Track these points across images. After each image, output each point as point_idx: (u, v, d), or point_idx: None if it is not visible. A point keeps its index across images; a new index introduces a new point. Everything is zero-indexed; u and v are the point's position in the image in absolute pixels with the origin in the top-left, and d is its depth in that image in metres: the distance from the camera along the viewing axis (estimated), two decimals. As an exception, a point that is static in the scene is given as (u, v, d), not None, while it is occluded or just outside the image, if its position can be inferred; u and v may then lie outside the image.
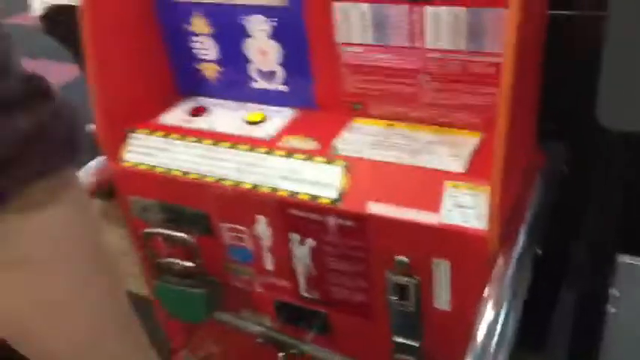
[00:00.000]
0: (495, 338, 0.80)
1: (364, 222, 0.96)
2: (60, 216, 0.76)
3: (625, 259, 0.99)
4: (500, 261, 0.85)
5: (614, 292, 0.98)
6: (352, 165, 0.99)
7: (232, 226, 1.11)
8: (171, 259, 1.19)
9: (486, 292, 0.83)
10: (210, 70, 1.19)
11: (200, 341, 1.34)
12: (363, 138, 1.03)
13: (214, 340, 1.32)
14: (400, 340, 1.06)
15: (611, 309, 1.04)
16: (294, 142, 1.06)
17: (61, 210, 0.76)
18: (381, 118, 1.06)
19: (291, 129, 1.09)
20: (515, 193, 0.94)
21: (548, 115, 1.02)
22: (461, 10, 0.91)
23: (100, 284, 0.84)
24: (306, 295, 1.12)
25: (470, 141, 0.97)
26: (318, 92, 1.11)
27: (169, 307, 1.23)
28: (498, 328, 0.81)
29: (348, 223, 0.98)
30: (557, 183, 1.02)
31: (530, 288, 0.90)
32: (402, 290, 1.00)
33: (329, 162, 1.00)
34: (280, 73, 1.12)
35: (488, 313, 0.81)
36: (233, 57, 1.15)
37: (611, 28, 0.68)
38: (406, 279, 0.98)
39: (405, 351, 1.06)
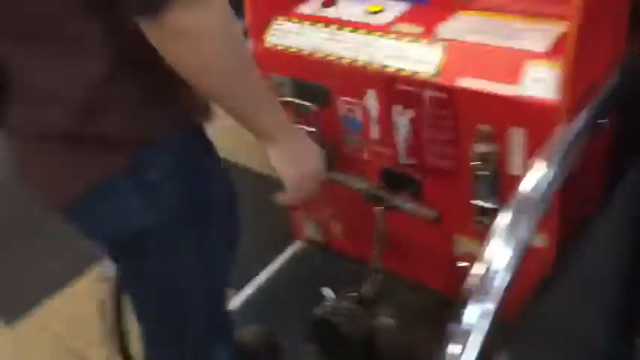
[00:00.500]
0: (541, 191, 0.95)
1: (455, 94, 1.15)
2: None
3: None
4: (560, 128, 1.00)
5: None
6: (450, 46, 1.17)
7: (346, 99, 1.34)
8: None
9: (541, 151, 0.99)
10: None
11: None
12: (463, 26, 1.21)
13: (327, 199, 1.57)
14: (479, 202, 1.25)
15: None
16: (404, 28, 1.25)
17: None
18: (481, 10, 1.22)
19: (403, 18, 1.29)
20: (593, 76, 1.07)
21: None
22: None
23: None
24: (404, 161, 1.33)
25: (556, 28, 1.11)
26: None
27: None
28: (545, 183, 0.95)
29: (441, 95, 1.17)
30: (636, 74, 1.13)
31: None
32: (483, 156, 1.18)
33: (431, 44, 1.19)
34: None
35: (537, 167, 0.96)
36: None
37: None
38: (488, 146, 1.16)
39: (483, 213, 1.25)
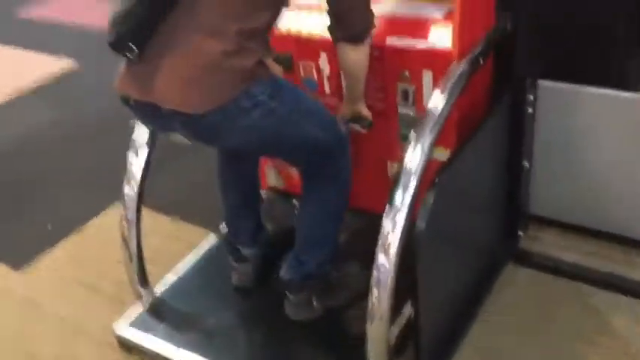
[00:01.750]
0: (442, 105, 1.46)
1: (384, 50, 1.66)
2: None
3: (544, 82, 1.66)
4: (452, 67, 1.52)
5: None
6: (379, 19, 1.67)
7: (305, 62, 1.82)
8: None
9: (439, 84, 1.50)
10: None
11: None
12: (387, 6, 1.72)
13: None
14: (404, 132, 1.75)
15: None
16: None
17: None
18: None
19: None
20: (475, 34, 1.61)
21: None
22: None
23: None
24: (348, 107, 1.82)
25: (448, 5, 1.64)
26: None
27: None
28: (444, 100, 1.47)
29: (374, 52, 1.67)
30: (503, 33, 1.68)
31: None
32: (405, 95, 1.70)
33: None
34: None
35: (436, 95, 1.47)
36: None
37: None
38: (408, 86, 1.68)
39: (406, 138, 1.75)
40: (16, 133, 3.29)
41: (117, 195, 2.45)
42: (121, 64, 1.43)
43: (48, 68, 3.91)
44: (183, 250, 2.13)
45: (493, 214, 1.90)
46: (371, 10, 1.48)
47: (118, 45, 1.34)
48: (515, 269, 1.89)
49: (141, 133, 1.79)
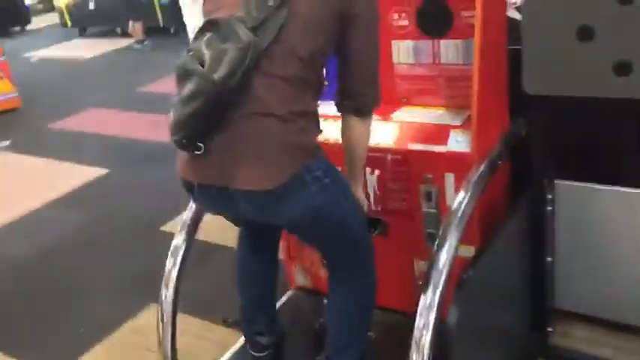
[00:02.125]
0: (464, 205, 1.55)
1: (406, 155, 1.77)
2: None
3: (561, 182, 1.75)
4: (472, 169, 1.62)
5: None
6: (400, 125, 1.81)
7: (332, 167, 1.93)
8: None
9: (461, 186, 1.60)
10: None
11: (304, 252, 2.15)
12: (407, 114, 1.86)
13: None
14: (429, 230, 1.83)
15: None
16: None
17: None
18: (417, 105, 1.89)
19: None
20: (491, 138, 1.72)
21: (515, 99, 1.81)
22: (458, 41, 1.75)
23: None
24: (374, 208, 1.91)
25: (465, 112, 1.77)
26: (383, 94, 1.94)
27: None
28: (466, 200, 1.56)
29: (398, 156, 1.78)
30: (518, 137, 1.80)
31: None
32: (428, 196, 1.79)
33: (388, 124, 1.83)
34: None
35: (459, 196, 1.57)
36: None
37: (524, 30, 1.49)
38: (431, 188, 1.77)
39: (431, 237, 1.83)
40: (51, 237, 3.41)
41: (149, 298, 2.54)
42: (182, 152, 1.52)
43: (81, 177, 4.10)
44: (213, 350, 2.17)
45: (521, 310, 1.93)
46: (380, 94, 1.62)
47: (185, 144, 1.45)
48: (547, 365, 1.90)
49: (178, 240, 1.89)
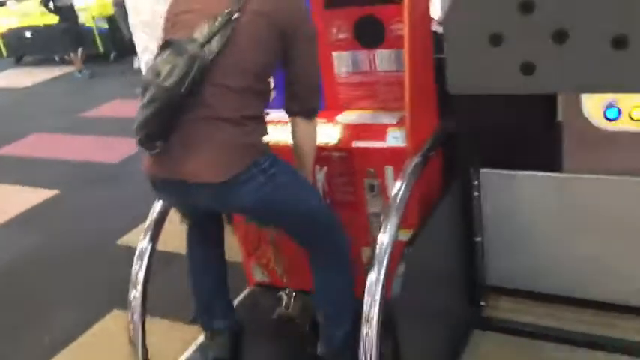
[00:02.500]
0: (401, 193, 1.78)
1: (350, 152, 2.00)
2: None
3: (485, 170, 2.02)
4: (407, 162, 1.86)
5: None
6: (344, 126, 2.04)
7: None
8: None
9: (398, 177, 1.83)
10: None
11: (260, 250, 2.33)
12: (349, 116, 2.09)
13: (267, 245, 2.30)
14: (372, 220, 2.06)
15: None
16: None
17: None
18: (357, 108, 2.13)
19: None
20: (425, 136, 1.97)
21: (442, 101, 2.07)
22: (391, 51, 2.00)
23: None
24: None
25: (399, 113, 2.02)
26: (327, 100, 2.18)
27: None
28: (403, 189, 1.79)
29: (343, 154, 2.01)
30: (447, 133, 2.06)
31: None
32: (372, 188, 2.02)
33: (333, 125, 2.06)
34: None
35: (396, 186, 1.80)
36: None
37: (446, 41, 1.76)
38: (374, 181, 2.00)
39: (376, 222, 2.05)
40: (3, 258, 3.46)
41: (112, 304, 2.66)
42: (146, 154, 1.77)
43: (31, 199, 4.14)
44: (179, 347, 2.30)
45: (456, 286, 2.17)
46: (321, 92, 1.89)
47: (145, 143, 1.70)
48: (482, 334, 2.14)
49: (143, 243, 2.05)
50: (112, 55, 8.44)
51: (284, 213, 1.82)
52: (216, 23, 1.67)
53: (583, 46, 1.59)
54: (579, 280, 2.13)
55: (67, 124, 5.88)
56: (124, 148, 4.87)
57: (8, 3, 9.13)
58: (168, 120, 1.68)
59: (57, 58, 8.84)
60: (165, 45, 1.71)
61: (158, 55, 1.72)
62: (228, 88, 1.70)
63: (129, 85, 6.84)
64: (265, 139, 1.81)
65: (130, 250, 3.14)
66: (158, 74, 1.65)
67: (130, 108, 6.59)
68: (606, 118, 1.82)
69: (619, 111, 1.79)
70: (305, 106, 1.83)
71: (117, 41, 8.36)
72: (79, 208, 3.94)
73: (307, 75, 1.82)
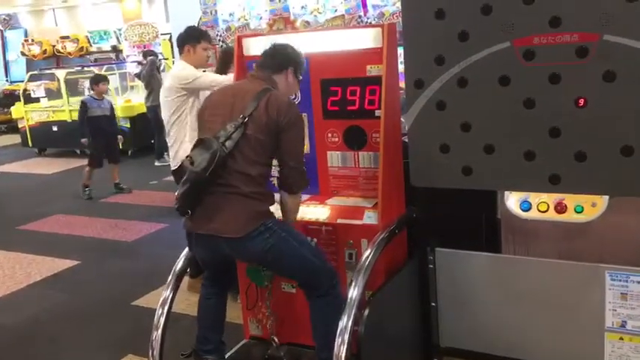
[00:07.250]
0: (369, 258, 2.35)
1: (335, 227, 2.59)
2: None
3: (440, 249, 2.61)
4: (378, 235, 2.45)
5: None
6: (331, 207, 2.64)
7: (283, 237, 2.72)
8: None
9: (369, 246, 2.41)
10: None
11: (257, 306, 2.84)
12: (337, 200, 2.70)
13: (264, 303, 2.82)
14: (350, 279, 2.60)
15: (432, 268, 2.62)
16: (311, 202, 2.72)
17: None
18: (343, 195, 2.75)
19: (311, 198, 2.77)
20: (392, 218, 2.56)
21: (409, 193, 2.69)
22: (371, 153, 2.66)
23: None
24: (312, 267, 2.68)
25: (375, 200, 2.63)
26: (320, 187, 2.79)
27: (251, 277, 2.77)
28: (371, 255, 2.37)
29: (330, 228, 2.60)
30: (411, 217, 2.66)
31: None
32: (350, 256, 2.59)
33: (323, 206, 2.66)
34: (305, 180, 2.84)
35: (366, 254, 2.38)
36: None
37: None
38: (352, 250, 2.58)
39: (351, 283, 2.59)
40: (30, 310, 3.95)
41: (128, 350, 3.13)
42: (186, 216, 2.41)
43: (55, 266, 4.67)
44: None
45: (414, 344, 2.67)
46: (306, 180, 2.49)
47: (181, 210, 2.36)
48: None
49: (165, 293, 2.59)
50: (129, 152, 9.21)
51: (286, 262, 2.42)
52: (231, 127, 2.34)
53: (504, 157, 2.24)
54: (517, 342, 2.63)
55: (86, 207, 6.48)
56: (138, 229, 5.46)
57: (42, 100, 10.01)
58: (195, 197, 2.34)
59: (77, 151, 9.58)
60: (199, 141, 2.39)
61: (194, 148, 2.39)
62: (242, 173, 2.35)
63: (145, 178, 7.55)
64: (272, 208, 2.43)
65: (144, 310, 3.74)
66: (192, 163, 2.32)
67: (145, 197, 7.37)
68: (522, 209, 2.43)
69: (530, 204, 2.42)
70: (291, 185, 2.45)
71: (136, 139, 9.23)
72: (98, 275, 4.46)
73: (293, 160, 2.42)
